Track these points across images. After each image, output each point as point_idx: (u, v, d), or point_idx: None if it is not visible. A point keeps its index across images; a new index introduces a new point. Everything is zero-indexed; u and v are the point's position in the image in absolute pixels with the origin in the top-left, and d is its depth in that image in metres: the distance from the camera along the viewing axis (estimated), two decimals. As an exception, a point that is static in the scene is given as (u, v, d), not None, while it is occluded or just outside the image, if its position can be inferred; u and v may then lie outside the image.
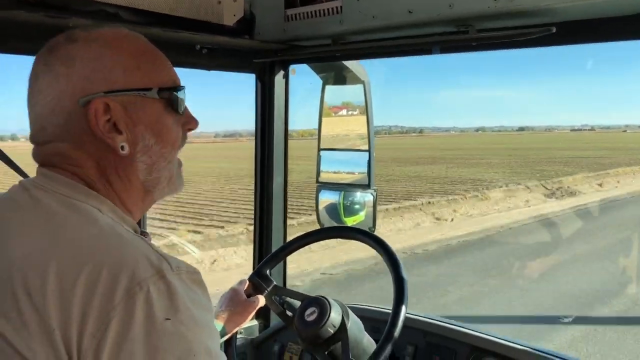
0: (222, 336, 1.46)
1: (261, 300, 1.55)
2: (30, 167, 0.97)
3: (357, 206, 2.15)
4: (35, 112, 0.88)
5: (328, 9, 1.52)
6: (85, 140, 0.87)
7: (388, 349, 1.34)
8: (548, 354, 1.46)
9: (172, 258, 0.80)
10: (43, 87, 0.86)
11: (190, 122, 0.98)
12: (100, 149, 0.88)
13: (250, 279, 1.61)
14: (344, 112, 2.15)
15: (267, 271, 1.61)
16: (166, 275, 0.76)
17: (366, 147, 2.10)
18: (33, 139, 0.91)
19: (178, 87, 0.93)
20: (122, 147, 0.87)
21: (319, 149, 2.16)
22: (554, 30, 1.29)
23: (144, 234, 0.91)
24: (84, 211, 0.83)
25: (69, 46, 0.87)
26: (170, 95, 0.91)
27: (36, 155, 0.91)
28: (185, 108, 0.96)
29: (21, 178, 0.97)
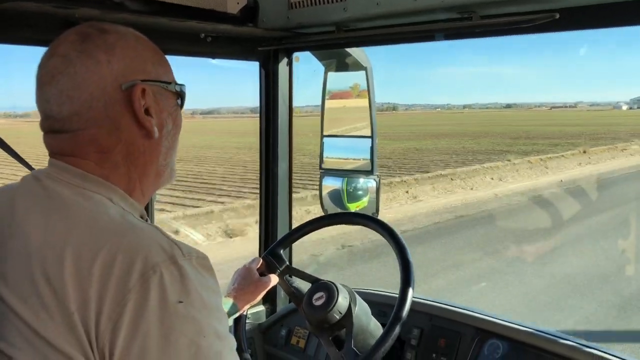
0: (233, 313, 1.50)
1: (273, 280, 1.58)
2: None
3: (360, 192, 2.17)
4: (66, 96, 0.87)
5: (332, -3, 1.52)
6: (121, 125, 0.90)
7: (396, 332, 1.37)
8: (551, 334, 1.49)
9: (183, 244, 0.82)
10: (80, 72, 0.87)
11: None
12: (134, 133, 0.91)
13: (264, 257, 1.64)
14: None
15: (281, 251, 1.65)
16: (178, 260, 0.79)
17: (369, 133, 2.11)
18: (60, 125, 0.89)
19: (183, 85, 1.01)
20: (155, 131, 0.93)
21: (322, 136, 2.18)
22: (558, 16, 1.30)
23: (146, 220, 0.93)
24: (95, 200, 0.86)
25: (104, 36, 0.90)
26: (181, 91, 0.99)
27: (60, 143, 0.90)
28: None
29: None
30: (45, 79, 0.89)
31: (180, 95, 0.99)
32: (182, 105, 1.01)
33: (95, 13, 1.36)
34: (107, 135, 0.89)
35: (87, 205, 0.85)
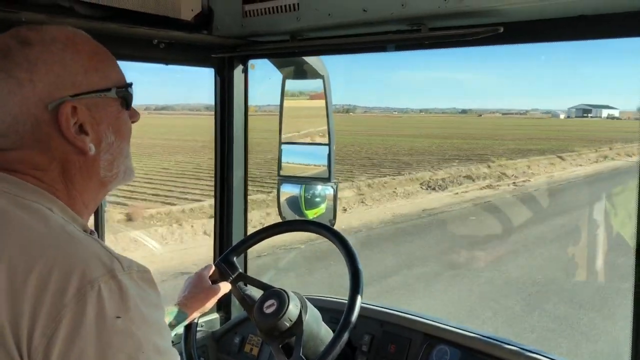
0: (182, 321, 1.49)
1: (224, 288, 1.58)
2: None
3: (317, 199, 2.18)
4: None
5: (285, 6, 1.54)
6: (52, 145, 0.87)
7: (344, 338, 1.38)
8: (497, 340, 1.52)
9: (123, 258, 0.81)
10: (2, 94, 0.83)
11: (134, 115, 1.00)
12: (67, 152, 0.88)
13: (216, 265, 1.63)
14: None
15: (234, 258, 1.64)
16: (117, 275, 0.77)
17: (326, 141, 2.13)
18: None
19: (129, 84, 0.96)
20: (90, 148, 0.89)
21: (280, 143, 2.18)
22: (502, 30, 1.34)
23: (92, 232, 0.91)
24: (34, 210, 0.83)
25: (25, 50, 0.85)
26: (125, 94, 0.94)
27: None
28: None
29: None
30: None
31: (124, 98, 0.94)
32: (128, 107, 0.95)
33: (41, 17, 1.33)
34: (39, 155, 0.87)
35: (25, 215, 0.82)
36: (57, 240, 0.79)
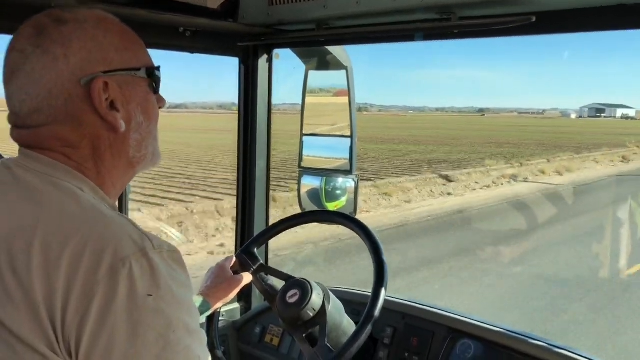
0: (205, 311, 1.49)
1: (246, 278, 1.57)
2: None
3: (338, 192, 2.17)
4: (25, 93, 0.86)
5: (312, -6, 1.52)
6: (84, 121, 0.88)
7: (367, 330, 1.37)
8: (522, 335, 1.50)
9: (154, 236, 0.81)
10: (37, 68, 0.85)
11: (161, 101, 1.00)
12: (99, 128, 0.89)
13: (237, 255, 1.63)
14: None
15: (255, 249, 1.64)
16: (148, 253, 0.78)
17: (348, 133, 2.12)
18: (22, 121, 0.89)
19: (158, 67, 0.97)
20: (121, 125, 0.90)
21: (302, 134, 2.17)
22: (534, 19, 1.31)
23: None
24: (65, 189, 0.84)
25: (61, 28, 0.86)
26: (153, 76, 0.95)
27: (24, 139, 0.90)
28: None
29: None
30: (6, 75, 0.88)
31: (154, 80, 0.95)
32: (156, 90, 0.97)
33: (72, 3, 1.34)
34: (70, 131, 0.88)
35: (57, 194, 0.83)
36: (90, 218, 0.80)
